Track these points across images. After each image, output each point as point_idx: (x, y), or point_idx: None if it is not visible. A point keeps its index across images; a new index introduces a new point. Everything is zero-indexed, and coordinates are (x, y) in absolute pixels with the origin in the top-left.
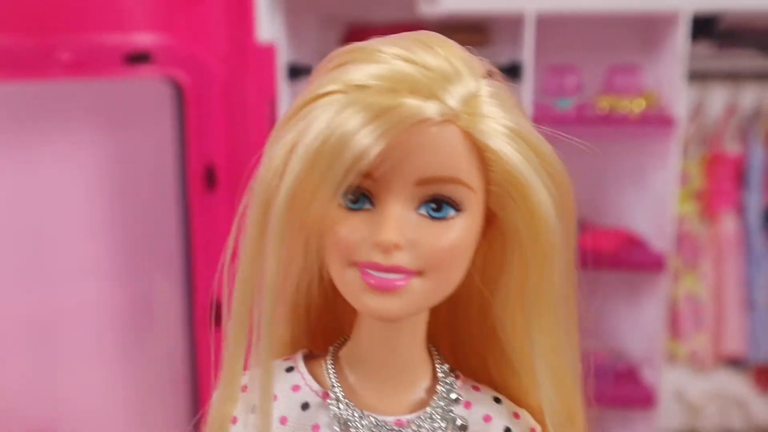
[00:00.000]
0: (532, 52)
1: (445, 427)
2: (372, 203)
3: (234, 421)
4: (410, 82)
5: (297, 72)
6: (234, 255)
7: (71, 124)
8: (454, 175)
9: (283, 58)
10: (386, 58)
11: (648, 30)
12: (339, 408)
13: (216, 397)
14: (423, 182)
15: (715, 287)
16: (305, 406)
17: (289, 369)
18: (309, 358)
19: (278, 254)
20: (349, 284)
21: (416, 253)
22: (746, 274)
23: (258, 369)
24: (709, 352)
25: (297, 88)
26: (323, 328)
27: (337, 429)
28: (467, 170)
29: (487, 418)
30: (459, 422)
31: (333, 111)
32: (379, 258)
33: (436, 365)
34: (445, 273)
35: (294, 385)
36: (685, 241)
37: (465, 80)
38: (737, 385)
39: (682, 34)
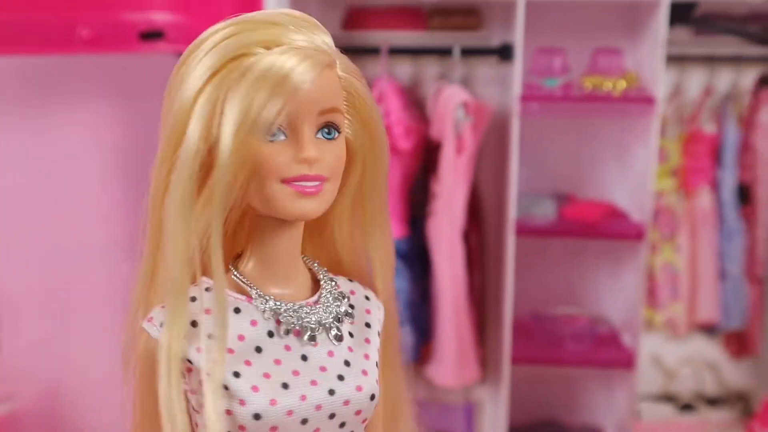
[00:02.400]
0: (522, 35)
1: (338, 299)
2: (285, 135)
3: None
4: (296, 27)
5: None
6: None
7: (88, 95)
8: (338, 105)
9: None
10: (254, 25)
11: (630, 15)
12: (266, 302)
13: (166, 324)
14: (322, 112)
15: (691, 258)
16: (237, 310)
17: (207, 288)
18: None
19: (225, 189)
20: (280, 197)
21: (325, 165)
22: (719, 247)
23: (200, 285)
24: (684, 319)
25: None
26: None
27: (270, 318)
28: (341, 102)
29: (352, 292)
30: (342, 291)
31: (245, 85)
32: (306, 170)
33: (306, 261)
34: (338, 179)
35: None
36: (663, 215)
37: (326, 33)
38: (710, 350)
39: (662, 19)
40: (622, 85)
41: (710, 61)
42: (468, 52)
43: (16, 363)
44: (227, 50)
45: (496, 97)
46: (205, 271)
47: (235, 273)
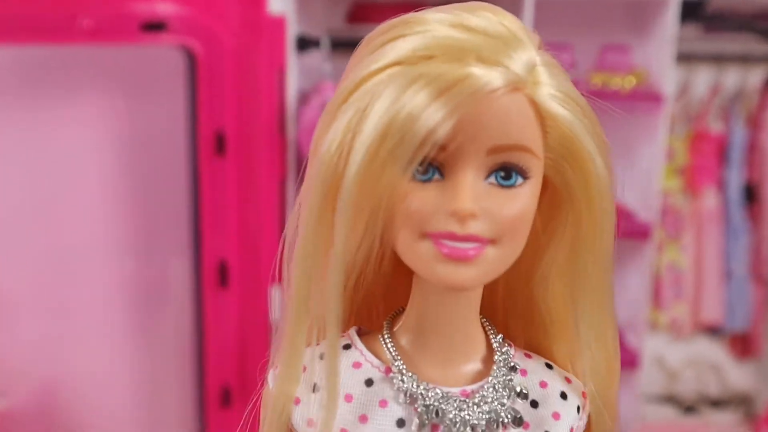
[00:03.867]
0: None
1: (508, 395)
2: (441, 174)
3: (297, 401)
4: (474, 49)
5: (305, 44)
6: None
7: (87, 88)
8: (523, 143)
9: (292, 30)
10: (438, 27)
11: (639, 12)
12: (403, 381)
13: (277, 378)
14: (494, 151)
15: (696, 258)
16: (369, 383)
17: (347, 346)
18: (362, 335)
19: (347, 232)
20: (421, 256)
21: (489, 221)
22: (725, 247)
23: (320, 347)
24: (688, 320)
25: (305, 59)
26: (368, 305)
27: (404, 402)
28: (533, 137)
29: (543, 384)
30: (519, 388)
31: (398, 85)
32: (455, 227)
33: (490, 336)
34: (515, 240)
35: (354, 362)
36: (668, 214)
37: (525, 46)
38: (714, 351)
39: (671, 16)
40: (631, 81)
41: (719, 59)
42: None
43: (11, 359)
44: (394, 54)
45: None
46: (361, 318)
47: (386, 333)
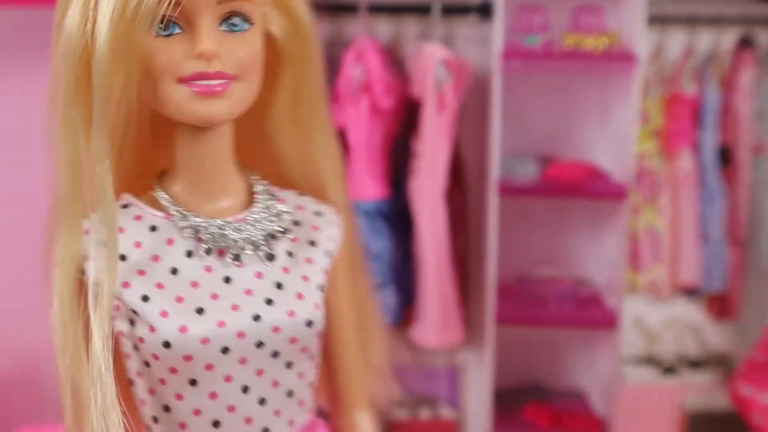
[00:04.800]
0: None
1: (275, 214)
2: (182, 28)
3: (86, 258)
4: None
5: None
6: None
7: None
8: None
9: None
10: None
11: None
12: (185, 219)
13: (62, 243)
14: (222, 1)
15: (673, 221)
16: (153, 228)
17: (125, 206)
18: (137, 197)
19: (104, 95)
20: (178, 99)
21: (230, 60)
22: (701, 209)
23: (98, 210)
24: (666, 282)
25: None
26: (136, 175)
27: (189, 236)
28: None
29: (299, 207)
30: (280, 208)
31: None
32: (203, 67)
33: (248, 174)
34: (253, 77)
35: (135, 216)
36: (645, 177)
37: None
38: (692, 313)
39: None
40: (603, 42)
41: (691, 21)
42: (448, 11)
43: None
44: None
45: (477, 57)
46: (131, 187)
47: (158, 189)
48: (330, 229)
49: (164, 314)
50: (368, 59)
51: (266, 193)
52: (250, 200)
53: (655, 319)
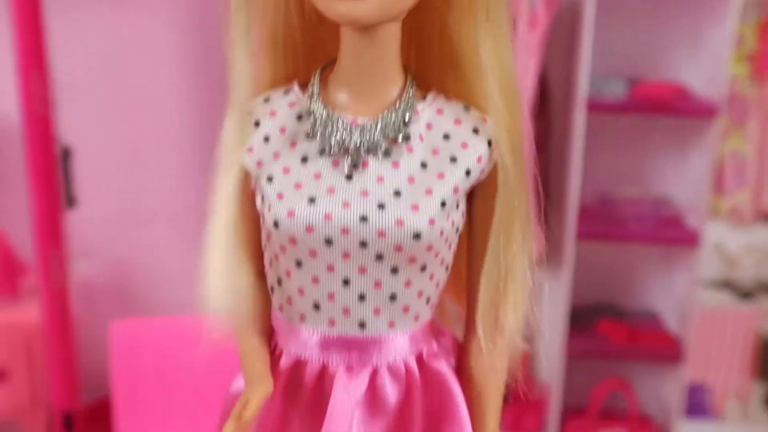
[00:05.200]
0: None
1: (389, 131)
2: None
3: (250, 150)
4: None
5: None
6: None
7: None
8: None
9: None
10: None
11: None
12: (309, 103)
13: (229, 124)
14: None
15: (760, 147)
16: (299, 117)
17: (287, 91)
18: (302, 86)
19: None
20: None
21: None
22: None
23: (237, 99)
24: (749, 207)
25: None
26: (306, 62)
27: (305, 118)
28: None
29: (457, 121)
30: (404, 130)
31: None
32: None
33: (408, 81)
34: None
35: (290, 102)
36: (734, 101)
37: None
38: None
39: None
40: None
41: None
42: None
43: (92, 232)
44: None
45: None
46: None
47: (316, 77)
48: (479, 150)
49: (280, 196)
50: None
51: (411, 98)
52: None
53: (735, 244)
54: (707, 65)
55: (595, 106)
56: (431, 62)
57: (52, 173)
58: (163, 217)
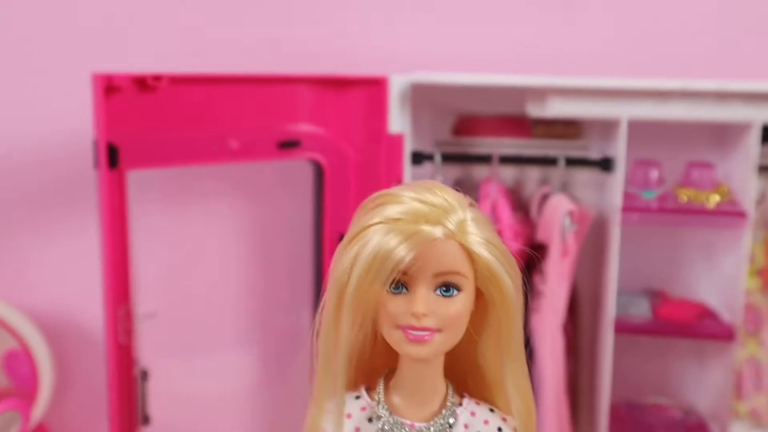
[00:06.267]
0: (624, 151)
1: (444, 427)
2: (407, 289)
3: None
4: (424, 215)
5: (420, 158)
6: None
7: (224, 195)
8: (454, 269)
9: (407, 146)
10: (407, 200)
11: (723, 133)
12: (378, 409)
13: (310, 414)
14: (437, 275)
15: None
16: (370, 420)
17: (357, 397)
18: (368, 390)
19: (349, 324)
20: (396, 340)
21: (436, 318)
22: None
23: (335, 399)
24: (767, 410)
25: (417, 170)
26: (369, 371)
27: (374, 422)
28: (462, 266)
29: (486, 422)
30: (452, 422)
31: (380, 234)
32: (414, 322)
33: (449, 392)
34: (454, 329)
35: (361, 407)
36: (748, 312)
37: (457, 211)
38: None
39: (754, 139)
40: (715, 198)
41: None
42: (570, 162)
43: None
44: (380, 216)
45: (593, 200)
46: (369, 379)
47: (381, 385)
48: None
49: None
50: (500, 209)
51: (450, 411)
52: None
53: None
54: (722, 283)
55: (622, 328)
56: (465, 371)
57: (132, 395)
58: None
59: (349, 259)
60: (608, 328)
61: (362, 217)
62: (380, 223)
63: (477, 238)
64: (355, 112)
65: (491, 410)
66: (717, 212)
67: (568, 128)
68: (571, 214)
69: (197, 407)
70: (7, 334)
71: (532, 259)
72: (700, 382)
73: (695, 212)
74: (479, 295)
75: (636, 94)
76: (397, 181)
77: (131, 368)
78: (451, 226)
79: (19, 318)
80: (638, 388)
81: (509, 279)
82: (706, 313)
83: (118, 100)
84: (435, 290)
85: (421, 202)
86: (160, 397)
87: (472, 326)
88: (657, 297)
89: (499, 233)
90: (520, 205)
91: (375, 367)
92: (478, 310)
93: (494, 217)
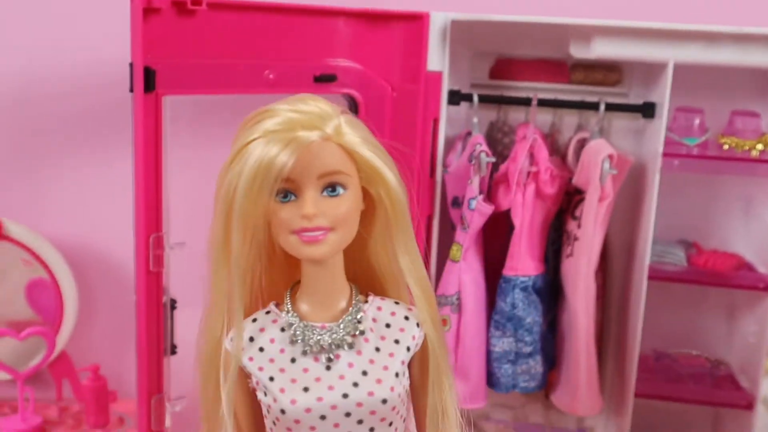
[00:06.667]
0: (668, 96)
1: (353, 330)
2: (295, 196)
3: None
4: (300, 122)
5: (458, 98)
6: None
7: None
8: (336, 168)
9: (445, 85)
10: (282, 112)
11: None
12: (288, 318)
13: (205, 328)
14: (321, 176)
15: None
16: (282, 329)
17: (267, 312)
18: (277, 305)
19: (240, 240)
20: (292, 245)
21: (327, 217)
22: None
23: (233, 320)
24: None
25: (454, 111)
26: (272, 291)
27: (287, 330)
28: (343, 165)
29: (392, 313)
30: (359, 327)
31: (260, 147)
32: (306, 223)
33: (353, 292)
34: (345, 226)
35: (273, 320)
36: None
37: (332, 116)
38: None
39: None
40: (759, 148)
41: None
42: (610, 108)
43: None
44: (259, 130)
45: (630, 148)
46: (271, 297)
47: (287, 300)
48: (412, 331)
49: (282, 390)
50: (538, 151)
51: (357, 309)
52: (346, 311)
53: None
54: (758, 234)
55: (657, 276)
56: (365, 274)
57: (160, 323)
58: None
59: (234, 175)
60: (642, 276)
61: (241, 135)
62: (259, 137)
63: (354, 138)
64: (393, 48)
65: (396, 303)
66: (760, 160)
67: (608, 74)
68: (611, 158)
69: None
70: (31, 262)
71: (566, 204)
72: (731, 335)
73: (737, 159)
74: (366, 194)
75: (685, 36)
76: (434, 119)
77: (160, 296)
78: (328, 129)
79: (46, 246)
80: (667, 339)
81: (391, 173)
82: (742, 264)
83: (156, 23)
84: (322, 192)
85: (296, 111)
86: (187, 329)
87: (362, 227)
88: (691, 247)
89: (536, 175)
90: (555, 150)
91: (278, 286)
92: (366, 210)
93: (531, 160)
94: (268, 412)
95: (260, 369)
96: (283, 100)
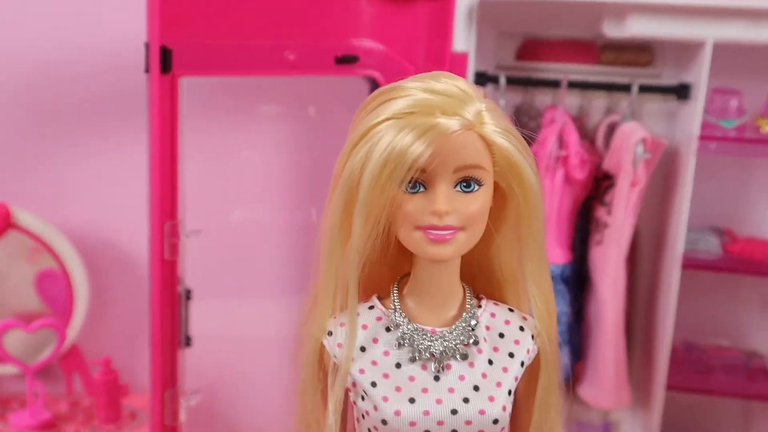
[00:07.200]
0: (706, 76)
1: (462, 337)
2: (425, 188)
3: (329, 334)
4: (439, 106)
5: (484, 79)
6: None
7: (280, 108)
8: (475, 162)
9: (471, 67)
10: (415, 92)
11: None
12: (395, 317)
13: (313, 323)
14: (457, 170)
15: None
16: (388, 329)
17: (371, 307)
18: (380, 299)
19: (361, 229)
20: (416, 242)
21: (458, 215)
22: None
23: (347, 309)
24: None
25: None
26: (377, 281)
27: (393, 331)
28: (482, 159)
29: (506, 322)
30: (472, 337)
31: (392, 131)
32: (435, 221)
33: (466, 295)
34: (477, 227)
35: (377, 317)
36: None
37: (474, 100)
38: None
39: None
40: None
41: None
42: (640, 89)
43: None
44: (388, 111)
45: (662, 131)
46: (380, 288)
47: (395, 296)
48: (527, 344)
49: (385, 399)
50: (568, 134)
51: (471, 315)
52: (460, 316)
53: None
54: None
55: (691, 264)
56: (484, 275)
57: (175, 314)
58: (270, 354)
59: (359, 160)
60: (674, 264)
61: (366, 116)
62: (389, 119)
63: (495, 128)
64: (417, 29)
65: (510, 310)
66: None
67: (640, 54)
68: (644, 141)
69: (238, 328)
70: (41, 252)
71: (594, 190)
72: (765, 326)
73: None
74: (496, 188)
75: (725, 14)
76: None
77: (175, 286)
78: (469, 116)
79: (57, 236)
80: (698, 329)
81: (531, 169)
82: None
83: (173, 2)
84: (455, 186)
85: (432, 92)
86: (203, 320)
87: (489, 222)
88: (723, 234)
89: (566, 160)
90: (583, 134)
91: (383, 277)
92: (494, 205)
93: (561, 143)
94: (363, 417)
95: (361, 371)
96: (413, 77)
